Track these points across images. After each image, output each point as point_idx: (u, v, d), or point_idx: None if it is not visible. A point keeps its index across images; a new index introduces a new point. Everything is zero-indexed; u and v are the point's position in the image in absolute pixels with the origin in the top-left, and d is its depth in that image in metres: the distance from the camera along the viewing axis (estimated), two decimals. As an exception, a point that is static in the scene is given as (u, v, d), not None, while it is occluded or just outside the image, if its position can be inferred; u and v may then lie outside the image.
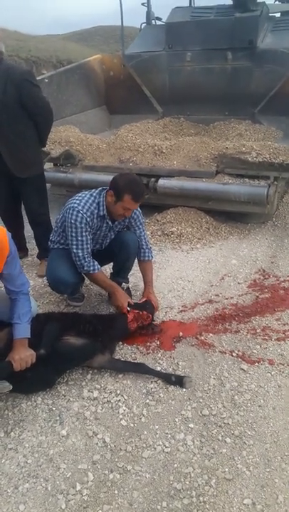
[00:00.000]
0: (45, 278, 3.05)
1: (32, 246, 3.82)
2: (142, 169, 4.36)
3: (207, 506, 1.63)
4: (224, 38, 5.50)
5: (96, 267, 2.66)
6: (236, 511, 1.61)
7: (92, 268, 2.65)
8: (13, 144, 3.09)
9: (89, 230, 2.61)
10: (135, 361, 2.40)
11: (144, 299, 2.79)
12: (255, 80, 5.57)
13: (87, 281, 3.23)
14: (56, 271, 2.73)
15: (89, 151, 4.74)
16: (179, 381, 2.20)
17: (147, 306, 2.71)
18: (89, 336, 2.30)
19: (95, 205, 2.61)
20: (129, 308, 2.62)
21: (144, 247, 2.90)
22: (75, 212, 2.55)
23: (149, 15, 6.64)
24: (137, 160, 4.50)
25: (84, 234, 2.58)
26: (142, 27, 6.75)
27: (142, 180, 2.76)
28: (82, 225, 2.56)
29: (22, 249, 3.65)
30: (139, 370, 2.30)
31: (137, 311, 2.61)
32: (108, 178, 4.06)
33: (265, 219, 4.53)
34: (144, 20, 6.71)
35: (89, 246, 2.64)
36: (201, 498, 1.65)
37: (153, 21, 6.72)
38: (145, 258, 2.91)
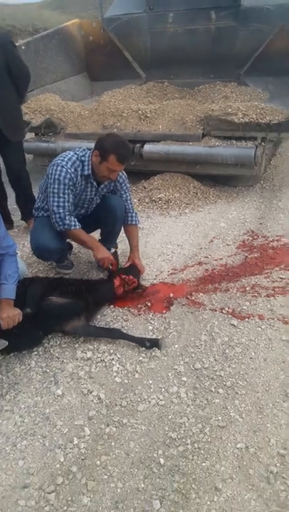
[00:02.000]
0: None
1: (17, 218, 3.78)
2: (127, 135, 4.27)
3: (202, 452, 1.67)
4: None
5: (76, 224, 2.57)
6: (230, 455, 1.66)
7: (72, 224, 2.55)
8: (4, 109, 3.13)
9: (72, 188, 2.54)
10: (109, 327, 2.39)
11: (130, 263, 2.78)
12: (240, 40, 5.43)
13: (75, 249, 3.22)
14: (39, 238, 2.68)
15: (71, 118, 4.63)
16: (153, 344, 2.20)
17: (132, 271, 2.71)
18: (72, 297, 2.32)
19: (78, 162, 2.55)
20: (111, 266, 2.61)
21: (131, 211, 2.88)
22: (59, 168, 2.49)
23: (127, -25, 6.38)
24: (121, 125, 4.41)
25: (66, 191, 2.51)
26: (121, -12, 6.49)
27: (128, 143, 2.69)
28: (66, 181, 2.49)
29: (7, 221, 3.61)
30: (113, 335, 2.28)
31: (123, 276, 2.61)
32: (91, 145, 4.01)
33: (253, 181, 4.50)
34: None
35: (69, 205, 2.55)
36: (195, 445, 1.70)
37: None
38: (132, 222, 2.90)
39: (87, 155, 2.57)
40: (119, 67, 6.01)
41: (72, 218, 2.58)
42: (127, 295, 2.63)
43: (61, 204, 2.52)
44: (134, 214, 2.91)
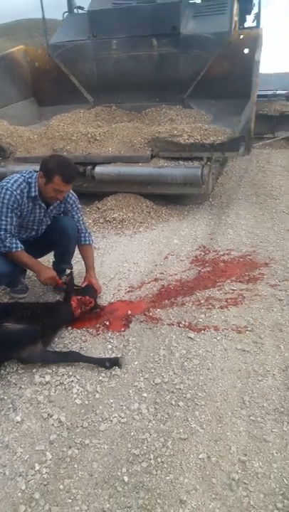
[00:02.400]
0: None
1: None
2: (77, 157, 4.33)
3: (165, 465, 1.69)
4: (147, 25, 5.56)
5: (17, 246, 2.54)
6: (193, 466, 1.69)
7: (14, 246, 2.52)
8: None
9: (17, 211, 2.52)
10: (67, 350, 2.35)
11: (86, 283, 2.79)
12: (181, 66, 5.70)
13: (30, 273, 3.18)
14: None
15: (20, 142, 4.63)
16: (113, 363, 2.19)
17: (89, 291, 2.71)
18: (28, 321, 2.29)
19: (25, 184, 2.53)
20: (64, 283, 2.62)
21: (84, 231, 2.89)
22: (3, 190, 2.47)
23: (70, 3, 6.57)
24: (70, 149, 4.47)
25: (9, 214, 2.49)
26: (65, 16, 6.65)
27: (74, 163, 2.72)
28: (10, 204, 2.47)
29: None
30: (72, 359, 2.25)
31: (79, 297, 2.60)
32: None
33: (202, 199, 4.69)
34: (66, 10, 6.63)
35: (13, 228, 2.53)
36: (158, 459, 1.71)
37: (75, 10, 6.65)
38: (86, 242, 2.90)
39: (33, 177, 2.57)
40: (66, 92, 6.11)
41: (14, 240, 2.54)
42: (84, 316, 2.63)
43: (3, 226, 2.49)
44: (87, 234, 2.91)
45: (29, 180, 2.56)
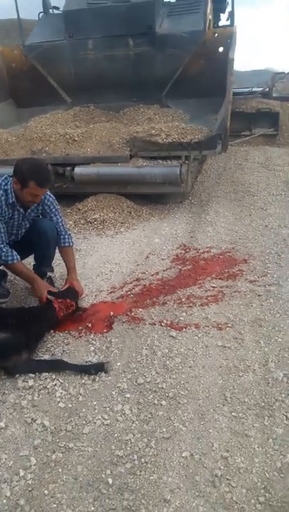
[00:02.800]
0: None
1: None
2: (56, 158, 4.32)
3: (149, 466, 1.70)
4: (123, 25, 5.56)
5: (15, 257, 2.58)
6: (176, 465, 1.71)
7: (10, 258, 2.56)
8: None
9: (1, 218, 2.53)
10: (52, 358, 2.33)
11: (67, 286, 2.78)
12: (158, 65, 5.72)
13: (11, 276, 3.16)
14: None
15: (-2, 145, 4.58)
16: (99, 369, 2.18)
17: (70, 293, 2.70)
18: (12, 329, 2.26)
19: (1, 191, 2.52)
20: (50, 297, 2.59)
21: (63, 233, 2.86)
22: None
23: (45, 4, 6.52)
24: (49, 150, 4.44)
25: None
26: (40, 16, 6.60)
27: (46, 163, 2.70)
28: None
29: None
30: (57, 367, 2.23)
31: (60, 300, 2.60)
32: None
33: (182, 198, 4.72)
34: (42, 11, 6.58)
35: (4, 236, 2.55)
36: (142, 460, 1.72)
37: (50, 10, 6.60)
38: (65, 244, 2.87)
39: (9, 183, 2.55)
40: (44, 93, 6.07)
41: (10, 251, 2.56)
42: (66, 319, 2.62)
43: None
44: (66, 235, 2.88)
45: (5, 187, 2.54)
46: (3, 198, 2.52)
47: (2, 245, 2.54)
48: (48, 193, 2.76)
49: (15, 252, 2.61)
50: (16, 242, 2.81)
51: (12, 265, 2.61)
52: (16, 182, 2.49)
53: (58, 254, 2.99)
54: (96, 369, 2.19)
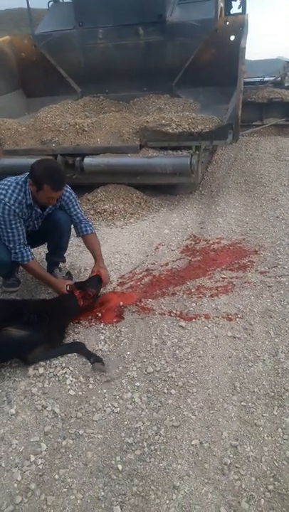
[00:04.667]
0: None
1: None
2: (66, 149, 4.31)
3: (158, 453, 1.72)
4: (133, 13, 5.50)
5: (29, 257, 2.60)
6: (186, 452, 1.72)
7: (25, 258, 2.59)
8: None
9: (19, 220, 2.53)
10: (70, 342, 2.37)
11: (93, 274, 2.75)
12: (168, 54, 5.66)
13: (21, 266, 3.18)
14: None
15: (8, 135, 4.59)
16: (96, 361, 2.18)
17: (92, 282, 2.68)
18: (34, 323, 2.26)
19: (22, 194, 2.51)
20: (70, 288, 2.61)
21: (83, 222, 2.81)
22: (1, 205, 2.46)
23: (55, -8, 6.46)
24: (59, 140, 4.43)
25: (13, 226, 2.51)
26: (50, 5, 6.55)
27: (61, 166, 2.69)
28: (11, 217, 2.48)
29: None
30: (72, 350, 2.28)
31: (79, 291, 2.60)
32: (31, 161, 3.98)
33: (192, 189, 4.69)
34: (51, -1, 6.54)
35: (21, 236, 2.57)
36: (152, 447, 1.74)
37: (60, -1, 6.55)
38: (87, 231, 2.82)
39: (28, 183, 2.52)
40: (54, 82, 6.05)
41: (25, 252, 2.59)
42: (88, 307, 2.61)
43: (10, 239, 2.54)
44: (87, 224, 2.83)
45: (25, 188, 2.52)
46: (23, 201, 2.51)
47: (17, 245, 2.56)
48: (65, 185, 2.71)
49: (30, 252, 2.62)
50: (32, 231, 2.82)
51: (26, 265, 2.63)
52: (31, 184, 2.48)
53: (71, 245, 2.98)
54: (95, 360, 2.18)
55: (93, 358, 2.20)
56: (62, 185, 2.52)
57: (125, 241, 3.67)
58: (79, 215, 2.81)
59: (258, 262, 3.13)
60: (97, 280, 2.73)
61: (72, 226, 2.88)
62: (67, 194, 2.74)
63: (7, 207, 2.46)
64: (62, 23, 5.98)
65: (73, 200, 2.79)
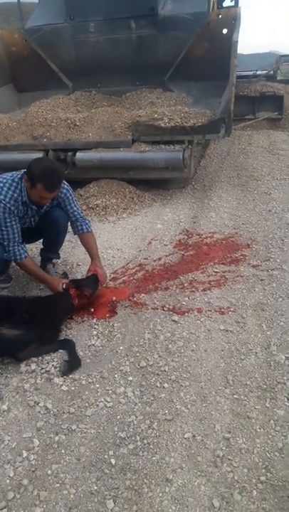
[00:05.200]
0: None
1: None
2: (57, 144, 4.29)
3: (151, 447, 1.72)
4: (125, 7, 5.46)
5: (22, 255, 2.58)
6: (178, 445, 1.72)
7: (18, 256, 2.57)
8: None
9: (14, 218, 2.50)
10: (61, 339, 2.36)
11: (90, 273, 2.71)
12: (161, 48, 5.63)
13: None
14: None
15: (-2, 130, 4.55)
16: (71, 367, 2.13)
17: (88, 282, 2.64)
18: (25, 324, 2.23)
19: (18, 191, 2.47)
20: (65, 286, 2.58)
21: (80, 220, 2.78)
22: None
23: (45, -15, 6.38)
24: (50, 135, 4.40)
25: (8, 224, 2.48)
26: (40, -2, 6.49)
27: (60, 168, 2.62)
28: (6, 216, 2.45)
29: None
30: (63, 347, 2.27)
31: (75, 290, 2.57)
32: (22, 156, 3.95)
33: (184, 183, 4.69)
34: (42, -8, 6.46)
35: (16, 235, 2.54)
36: (145, 441, 1.74)
37: (51, -8, 6.46)
38: (84, 230, 2.78)
39: (22, 181, 2.49)
40: (45, 77, 6.01)
41: (18, 249, 2.56)
42: (83, 305, 2.58)
43: (5, 237, 2.51)
44: (84, 222, 2.79)
45: (21, 185, 2.49)
46: (19, 198, 2.48)
47: (11, 243, 2.53)
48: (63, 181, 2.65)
49: (23, 250, 2.59)
50: (29, 227, 2.79)
51: (20, 263, 2.61)
52: (26, 180, 2.44)
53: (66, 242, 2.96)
54: (71, 362, 2.15)
55: (71, 360, 2.16)
56: (56, 187, 2.47)
57: (118, 236, 3.66)
58: (76, 212, 2.77)
59: (250, 255, 3.13)
60: (93, 280, 2.68)
61: (68, 223, 2.85)
62: (64, 191, 2.69)
63: (2, 205, 2.43)
64: (53, 16, 5.92)
65: (70, 198, 2.74)
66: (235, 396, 1.93)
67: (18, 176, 2.52)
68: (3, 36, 6.00)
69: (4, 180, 2.50)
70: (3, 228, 2.49)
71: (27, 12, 6.86)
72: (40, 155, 3.96)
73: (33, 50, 5.92)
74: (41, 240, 3.04)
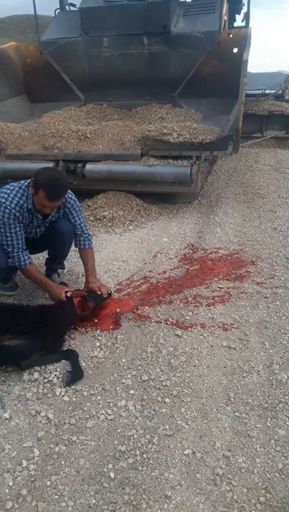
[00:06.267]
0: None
1: None
2: (68, 155, 4.35)
3: (151, 462, 1.72)
4: (138, 23, 5.57)
5: (27, 261, 2.60)
6: (178, 462, 1.72)
7: (22, 262, 2.59)
8: None
9: (19, 224, 2.53)
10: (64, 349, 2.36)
11: (86, 289, 2.74)
12: (172, 64, 5.72)
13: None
14: None
15: (11, 139, 4.62)
16: (73, 378, 2.14)
17: (91, 294, 2.66)
18: (29, 332, 2.25)
19: (24, 198, 2.51)
20: (69, 294, 2.59)
21: (84, 235, 2.80)
22: (2, 208, 2.46)
23: (62, 0, 6.54)
24: (61, 146, 4.46)
25: (13, 230, 2.51)
26: (56, 13, 6.63)
27: (66, 178, 2.63)
28: (11, 221, 2.49)
29: None
30: (66, 358, 2.27)
31: (78, 299, 2.59)
32: (33, 166, 4.01)
33: (191, 198, 4.73)
34: (58, 7, 6.61)
35: (20, 241, 2.56)
36: (144, 456, 1.74)
37: (67, 7, 6.62)
38: (85, 246, 2.81)
39: (29, 188, 2.53)
40: (58, 89, 6.11)
41: (22, 256, 2.58)
42: (86, 317, 2.59)
43: (9, 243, 2.54)
44: (86, 238, 2.81)
45: (27, 192, 2.52)
46: (25, 205, 2.52)
47: (15, 249, 2.56)
48: (69, 193, 2.69)
49: (27, 256, 2.62)
50: (34, 238, 2.82)
51: (24, 269, 2.63)
52: (31, 185, 2.48)
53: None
54: (74, 372, 2.16)
55: (74, 371, 2.17)
56: (57, 197, 2.47)
57: (124, 248, 3.68)
58: (80, 226, 2.79)
59: (254, 272, 3.15)
60: (98, 295, 2.69)
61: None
62: (71, 202, 2.72)
63: (7, 210, 2.47)
64: (68, 30, 6.04)
65: (77, 210, 2.77)
66: (236, 414, 1.93)
67: (26, 184, 2.56)
68: (19, 48, 6.12)
69: (11, 188, 2.54)
70: (8, 234, 2.52)
71: (42, 25, 7.02)
72: (50, 165, 4.01)
73: (47, 62, 6.05)
74: (47, 251, 3.07)
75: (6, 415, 1.93)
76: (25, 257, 2.61)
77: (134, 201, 4.47)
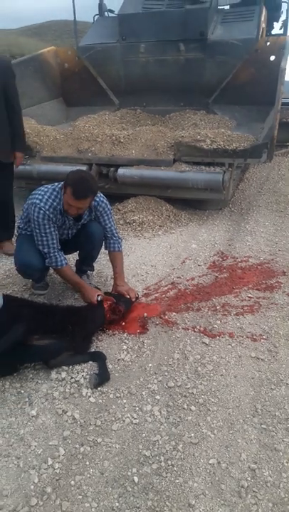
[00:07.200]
0: (6, 270, 3.04)
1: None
2: (101, 159, 4.40)
3: (175, 469, 1.71)
4: (176, 30, 5.60)
5: (63, 262, 2.65)
6: (202, 471, 1.70)
7: (59, 263, 2.64)
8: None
9: (53, 224, 2.58)
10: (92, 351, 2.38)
11: (114, 292, 2.77)
12: (207, 71, 5.72)
13: (51, 269, 3.24)
14: (24, 255, 2.72)
15: (46, 142, 4.71)
16: (101, 381, 2.15)
17: (121, 298, 2.69)
18: (58, 333, 2.28)
19: (58, 200, 2.55)
20: (100, 298, 2.60)
21: (114, 238, 2.83)
22: (36, 209, 2.52)
23: (101, 7, 6.67)
24: (95, 150, 4.52)
25: (47, 230, 2.57)
26: (95, 19, 6.75)
27: (95, 182, 2.64)
28: (45, 222, 2.54)
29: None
30: (93, 359, 2.29)
31: (109, 303, 2.60)
32: (67, 168, 4.08)
33: (222, 205, 4.70)
34: (97, 13, 6.73)
35: (55, 241, 2.61)
36: (169, 462, 1.73)
37: (106, 13, 6.74)
38: (114, 249, 2.84)
39: (62, 190, 2.57)
40: (94, 93, 6.22)
41: (59, 256, 2.63)
42: (115, 321, 2.61)
43: (45, 243, 2.60)
44: (116, 240, 2.83)
45: (59, 195, 2.57)
46: (58, 208, 2.57)
47: (51, 251, 2.61)
48: (101, 197, 2.73)
49: (63, 257, 2.67)
50: (65, 239, 2.87)
51: (60, 269, 2.68)
52: (63, 186, 2.52)
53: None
54: (100, 375, 2.17)
55: (101, 373, 2.18)
56: (82, 196, 2.46)
57: (152, 253, 3.69)
58: (111, 228, 2.82)
59: (285, 283, 3.09)
60: (127, 299, 2.72)
61: None
62: (103, 205, 2.75)
63: (42, 211, 2.52)
64: (105, 36, 6.14)
65: (108, 213, 2.79)
66: (263, 426, 1.90)
67: (59, 186, 2.60)
68: (57, 53, 6.27)
69: (45, 189, 2.60)
70: (43, 234, 2.58)
71: (80, 30, 7.16)
72: (84, 168, 4.08)
73: (84, 67, 6.16)
74: (78, 253, 3.11)
75: (34, 412, 1.96)
76: (62, 258, 2.66)
77: (164, 206, 4.48)
